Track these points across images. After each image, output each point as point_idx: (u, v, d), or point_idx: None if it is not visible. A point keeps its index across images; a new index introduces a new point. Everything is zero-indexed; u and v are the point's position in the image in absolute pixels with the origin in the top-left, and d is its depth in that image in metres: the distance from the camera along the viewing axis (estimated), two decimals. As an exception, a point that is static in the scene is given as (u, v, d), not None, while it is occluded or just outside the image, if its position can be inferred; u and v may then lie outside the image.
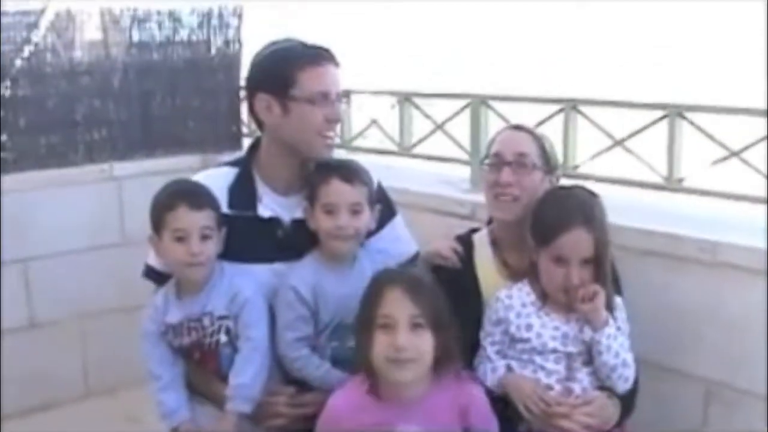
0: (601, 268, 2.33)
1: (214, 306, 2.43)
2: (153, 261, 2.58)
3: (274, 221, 2.53)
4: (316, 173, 2.50)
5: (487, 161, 2.58)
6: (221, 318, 2.43)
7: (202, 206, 2.40)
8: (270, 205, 2.54)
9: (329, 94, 2.47)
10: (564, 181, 2.67)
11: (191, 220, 2.37)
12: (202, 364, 2.50)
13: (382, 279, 2.23)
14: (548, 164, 2.54)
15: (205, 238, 2.39)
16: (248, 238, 2.48)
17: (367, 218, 2.48)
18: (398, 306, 2.14)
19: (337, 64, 2.54)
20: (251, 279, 2.47)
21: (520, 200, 2.48)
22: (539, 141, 2.55)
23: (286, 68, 2.49)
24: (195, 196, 2.42)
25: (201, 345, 2.46)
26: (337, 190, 2.43)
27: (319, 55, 2.51)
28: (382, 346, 2.12)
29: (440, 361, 2.19)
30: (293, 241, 2.52)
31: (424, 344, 2.14)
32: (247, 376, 2.40)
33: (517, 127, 2.65)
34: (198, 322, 2.44)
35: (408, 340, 2.11)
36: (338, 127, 2.70)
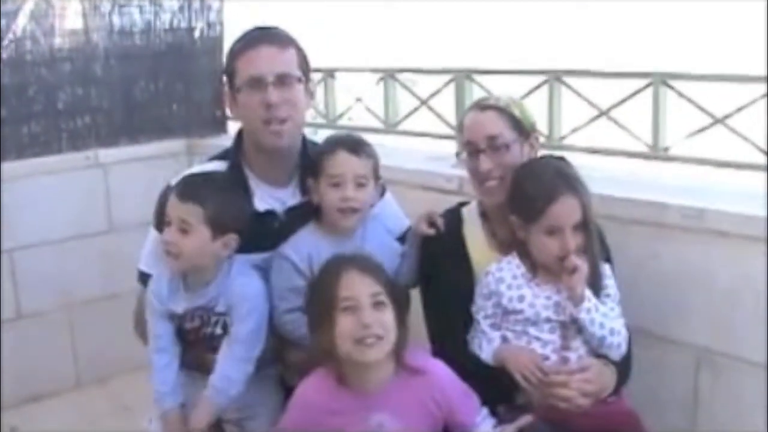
0: (588, 231, 2.32)
1: (218, 302, 2.43)
2: (145, 267, 2.57)
3: (269, 213, 2.53)
4: (322, 146, 2.48)
5: (461, 151, 2.50)
6: (221, 314, 2.44)
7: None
8: (264, 197, 2.53)
9: (262, 77, 2.37)
10: (549, 153, 2.65)
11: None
12: (194, 343, 2.50)
13: (333, 264, 2.21)
14: (524, 131, 2.48)
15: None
16: (247, 232, 2.44)
17: (371, 192, 2.47)
18: (358, 286, 2.12)
19: (278, 44, 2.41)
20: (256, 279, 2.45)
21: (505, 179, 2.44)
22: (507, 113, 2.46)
23: (229, 60, 2.46)
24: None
25: (198, 331, 2.47)
26: (343, 162, 2.41)
27: (251, 39, 2.43)
28: (347, 328, 2.11)
29: (401, 339, 2.18)
30: (289, 229, 2.51)
31: (388, 320, 2.13)
32: (242, 380, 2.42)
33: (481, 107, 2.53)
34: (204, 311, 2.45)
35: (373, 318, 2.11)
36: (290, 112, 2.41)
